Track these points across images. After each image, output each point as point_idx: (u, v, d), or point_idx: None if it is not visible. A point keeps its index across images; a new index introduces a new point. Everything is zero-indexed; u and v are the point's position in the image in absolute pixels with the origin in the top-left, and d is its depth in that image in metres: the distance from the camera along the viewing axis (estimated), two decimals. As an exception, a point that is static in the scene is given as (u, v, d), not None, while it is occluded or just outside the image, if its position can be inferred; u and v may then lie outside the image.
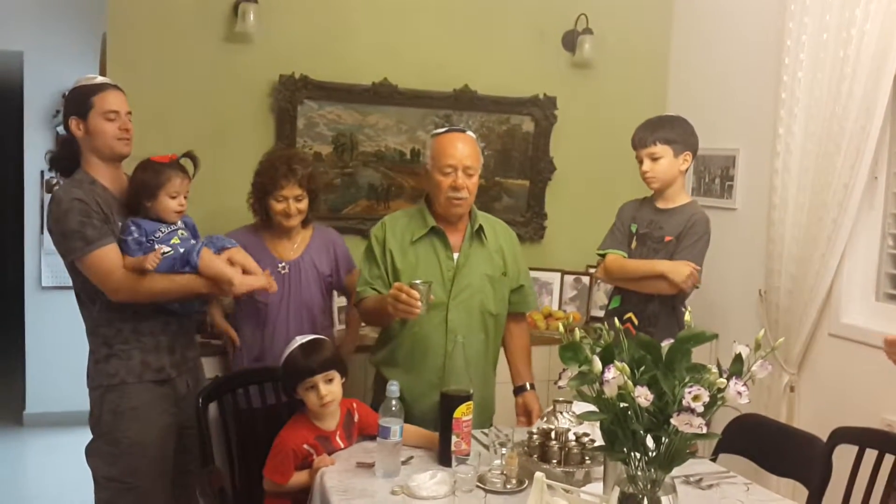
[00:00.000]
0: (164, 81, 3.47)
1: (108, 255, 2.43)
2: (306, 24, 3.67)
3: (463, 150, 2.56)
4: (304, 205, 2.94)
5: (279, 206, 2.91)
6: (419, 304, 2.32)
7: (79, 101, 2.50)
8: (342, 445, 2.36)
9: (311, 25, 3.68)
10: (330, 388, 2.29)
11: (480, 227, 2.65)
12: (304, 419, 2.34)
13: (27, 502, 4.30)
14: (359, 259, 2.85)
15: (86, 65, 4.91)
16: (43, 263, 5.22)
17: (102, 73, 3.59)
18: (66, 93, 2.59)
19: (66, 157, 2.57)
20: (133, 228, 2.48)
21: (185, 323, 2.67)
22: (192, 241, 2.58)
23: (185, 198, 2.55)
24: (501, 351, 2.78)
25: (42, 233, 5.23)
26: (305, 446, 2.28)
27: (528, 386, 2.72)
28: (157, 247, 2.47)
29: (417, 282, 2.36)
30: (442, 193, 2.56)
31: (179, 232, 2.56)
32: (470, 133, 2.67)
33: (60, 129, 5.13)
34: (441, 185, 2.56)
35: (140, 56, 3.45)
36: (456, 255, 2.62)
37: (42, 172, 5.18)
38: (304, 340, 2.37)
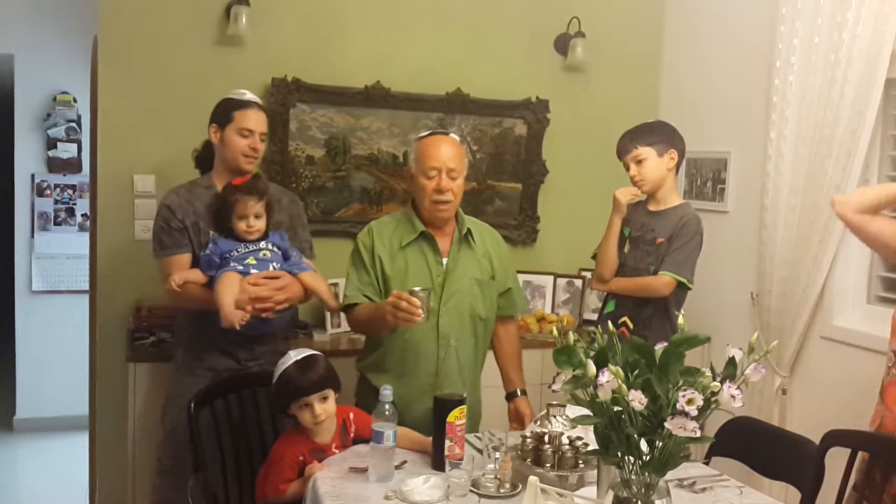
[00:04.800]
0: (156, 84, 3.46)
1: (171, 265, 2.68)
2: (299, 26, 3.67)
3: (447, 153, 2.52)
4: None
5: None
6: (420, 311, 2.30)
7: (222, 112, 2.76)
8: None
9: (304, 28, 3.68)
10: (324, 406, 2.27)
11: (469, 230, 2.62)
12: (299, 432, 2.31)
13: (17, 508, 4.28)
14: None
15: (77, 68, 4.90)
16: (34, 267, 5.18)
17: (94, 76, 3.57)
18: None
19: (204, 158, 2.87)
20: (210, 246, 2.63)
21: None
22: (271, 263, 2.64)
23: (255, 218, 2.63)
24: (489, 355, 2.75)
25: (33, 237, 5.20)
26: (301, 458, 2.25)
27: (518, 392, 2.71)
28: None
29: (417, 289, 2.33)
30: (426, 197, 2.53)
31: (262, 253, 2.64)
32: (454, 135, 2.63)
33: (52, 132, 5.14)
34: (425, 188, 2.52)
35: (132, 59, 3.44)
36: (445, 260, 2.58)
37: (32, 176, 5.16)
38: (298, 357, 2.32)
